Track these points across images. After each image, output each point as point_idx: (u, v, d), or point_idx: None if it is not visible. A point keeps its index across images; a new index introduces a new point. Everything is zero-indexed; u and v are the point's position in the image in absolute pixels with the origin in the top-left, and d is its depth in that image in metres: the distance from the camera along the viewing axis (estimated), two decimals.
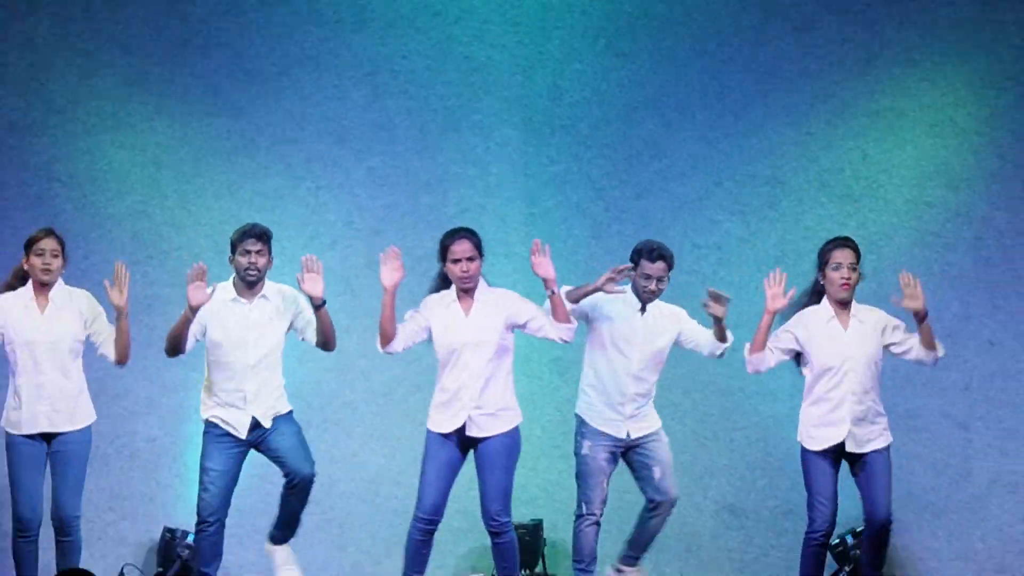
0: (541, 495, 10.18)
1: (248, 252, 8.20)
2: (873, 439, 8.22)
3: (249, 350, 8.24)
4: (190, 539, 9.75)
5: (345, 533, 10.08)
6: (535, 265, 8.19)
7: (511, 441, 8.25)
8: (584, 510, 8.39)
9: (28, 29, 10.20)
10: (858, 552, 9.74)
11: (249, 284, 8.23)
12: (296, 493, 8.37)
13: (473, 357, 8.17)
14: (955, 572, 10.05)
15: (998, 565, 9.98)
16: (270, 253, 8.26)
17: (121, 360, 8.28)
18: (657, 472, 8.38)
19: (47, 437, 8.20)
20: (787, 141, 10.30)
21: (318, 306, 8.21)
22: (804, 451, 8.29)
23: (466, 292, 8.23)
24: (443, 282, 8.32)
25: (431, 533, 8.27)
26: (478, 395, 8.15)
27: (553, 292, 8.16)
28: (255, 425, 8.23)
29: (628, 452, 8.44)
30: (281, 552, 8.49)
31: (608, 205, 10.37)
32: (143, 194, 10.26)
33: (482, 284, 8.30)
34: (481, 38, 10.39)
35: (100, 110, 10.24)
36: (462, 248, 8.20)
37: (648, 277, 8.33)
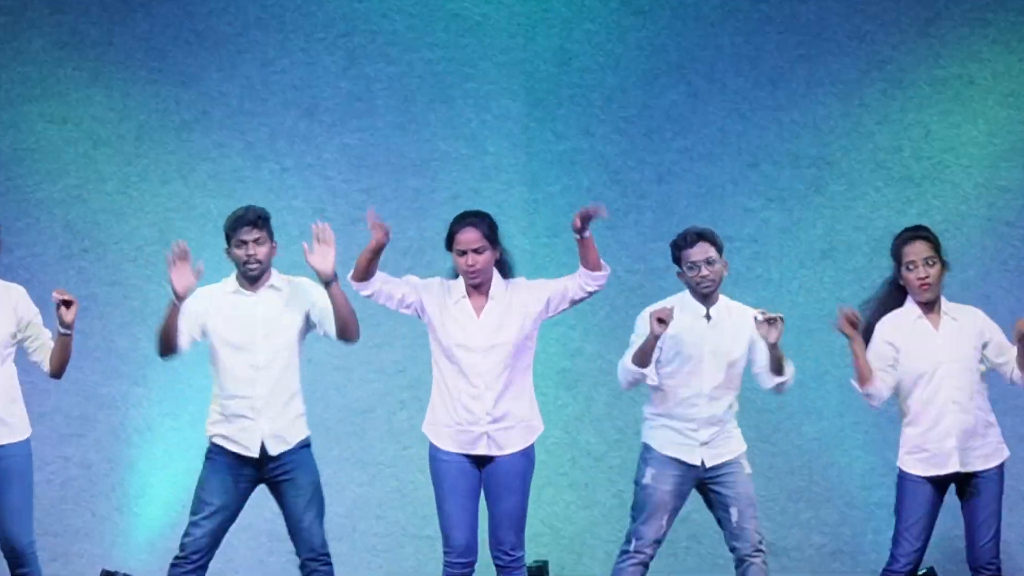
0: (546, 531, 9.93)
1: (244, 243, 7.81)
2: (987, 453, 7.70)
3: (258, 348, 7.83)
4: None
5: None
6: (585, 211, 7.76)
7: (528, 460, 7.85)
8: (632, 547, 7.85)
9: None
10: None
11: (251, 279, 7.84)
12: None
13: (485, 363, 7.69)
14: None
15: None
16: (272, 238, 7.87)
17: (56, 374, 7.88)
18: (734, 513, 7.82)
19: None
20: (835, 115, 10.08)
21: (328, 283, 7.78)
22: (902, 474, 7.74)
23: (476, 288, 7.75)
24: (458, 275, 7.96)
25: (470, 573, 7.82)
26: (493, 406, 7.69)
27: (583, 236, 7.73)
28: (264, 448, 7.84)
29: (703, 486, 7.92)
30: None
31: (624, 190, 10.13)
32: (78, 176, 10.05)
33: (497, 279, 7.80)
34: None
35: (26, 77, 10.05)
36: (467, 238, 7.70)
37: (694, 265, 7.77)
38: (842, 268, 9.97)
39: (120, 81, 9.98)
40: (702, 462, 7.87)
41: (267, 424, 7.83)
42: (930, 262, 7.70)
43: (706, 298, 7.88)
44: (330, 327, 7.88)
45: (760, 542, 7.85)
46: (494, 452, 7.71)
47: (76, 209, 9.90)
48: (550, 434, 9.48)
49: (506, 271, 7.91)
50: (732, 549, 7.89)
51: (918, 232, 7.81)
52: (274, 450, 7.80)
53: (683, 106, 10.11)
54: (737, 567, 7.90)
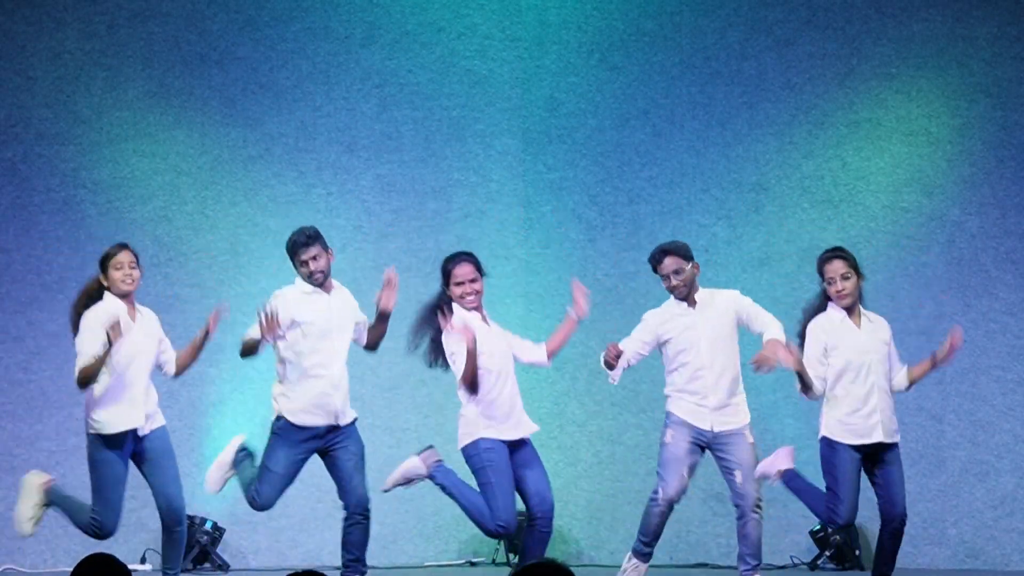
0: None
1: (305, 262, 8.12)
2: (895, 429, 8.03)
3: (334, 336, 8.18)
4: (208, 525, 10.06)
5: None
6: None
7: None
8: (659, 495, 8.09)
9: (55, 45, 10.43)
10: (837, 538, 10.03)
11: (319, 284, 8.16)
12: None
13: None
14: (930, 557, 10.26)
15: (970, 550, 10.23)
16: (326, 249, 8.15)
17: (179, 374, 8.33)
18: (738, 476, 8.07)
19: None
20: (770, 150, 10.55)
21: (386, 316, 8.15)
22: (831, 443, 7.99)
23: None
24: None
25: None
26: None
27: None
28: (335, 419, 8.15)
29: (713, 450, 8.14)
30: None
31: (602, 210, 10.62)
32: (164, 200, 10.47)
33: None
34: (483, 53, 10.69)
35: (123, 120, 10.47)
36: (463, 271, 8.05)
37: (665, 278, 8.15)
38: (776, 273, 10.33)
39: (199, 123, 10.43)
40: (711, 427, 8.02)
41: (339, 398, 8.05)
42: (845, 277, 7.90)
43: (685, 299, 8.07)
44: (362, 339, 8.30)
45: (756, 498, 7.97)
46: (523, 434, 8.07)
47: (162, 226, 10.30)
48: (542, 406, 10.16)
49: None
50: (735, 505, 8.08)
51: (836, 253, 8.00)
52: (343, 420, 8.07)
53: (649, 143, 10.56)
54: (737, 518, 8.09)
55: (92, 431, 7.93)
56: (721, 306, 8.14)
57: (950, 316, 10.25)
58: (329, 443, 8.20)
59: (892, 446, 7.99)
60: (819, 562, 10.14)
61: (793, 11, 10.51)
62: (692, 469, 8.12)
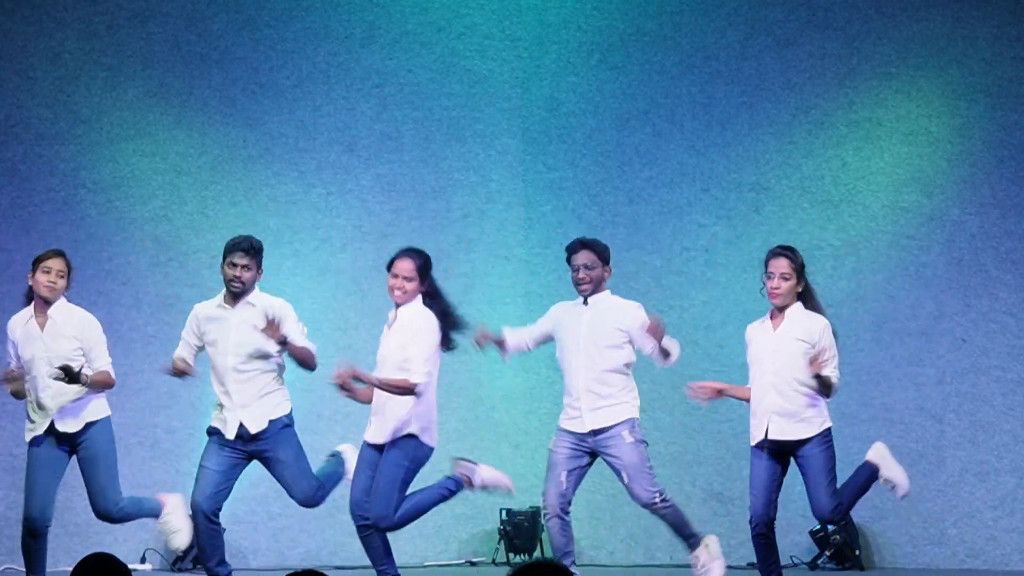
0: (539, 484, 9.77)
1: (235, 265, 8.03)
2: (798, 432, 7.81)
3: (228, 354, 8.11)
4: None
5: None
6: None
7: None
8: (542, 503, 8.23)
9: (55, 45, 10.50)
10: (837, 538, 10.06)
11: (234, 295, 8.08)
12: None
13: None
14: (930, 557, 10.28)
15: (970, 550, 10.23)
16: (259, 267, 8.08)
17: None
18: (625, 478, 8.05)
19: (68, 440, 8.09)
20: (771, 150, 10.60)
21: (282, 345, 8.02)
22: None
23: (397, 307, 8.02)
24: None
25: None
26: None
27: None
28: (244, 430, 8.07)
29: (599, 454, 8.13)
30: None
31: (602, 210, 10.69)
32: (164, 199, 10.55)
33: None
34: (482, 53, 10.73)
35: (123, 120, 10.56)
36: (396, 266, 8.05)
37: (575, 269, 8.17)
38: None
39: (199, 123, 10.52)
40: (587, 427, 8.02)
41: (243, 413, 8.02)
42: (784, 277, 7.74)
43: (585, 299, 8.09)
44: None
45: (646, 500, 7.94)
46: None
47: (163, 226, 10.40)
48: (542, 405, 10.21)
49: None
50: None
51: (783, 251, 7.83)
52: (252, 428, 8.00)
53: (649, 143, 10.63)
54: None
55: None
56: (611, 313, 8.12)
57: (950, 316, 10.31)
58: (253, 451, 8.11)
59: (802, 448, 7.78)
60: (819, 562, 10.16)
61: (793, 11, 10.55)
62: (575, 474, 8.08)
